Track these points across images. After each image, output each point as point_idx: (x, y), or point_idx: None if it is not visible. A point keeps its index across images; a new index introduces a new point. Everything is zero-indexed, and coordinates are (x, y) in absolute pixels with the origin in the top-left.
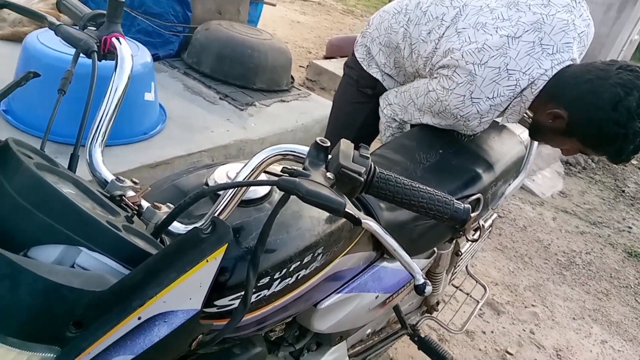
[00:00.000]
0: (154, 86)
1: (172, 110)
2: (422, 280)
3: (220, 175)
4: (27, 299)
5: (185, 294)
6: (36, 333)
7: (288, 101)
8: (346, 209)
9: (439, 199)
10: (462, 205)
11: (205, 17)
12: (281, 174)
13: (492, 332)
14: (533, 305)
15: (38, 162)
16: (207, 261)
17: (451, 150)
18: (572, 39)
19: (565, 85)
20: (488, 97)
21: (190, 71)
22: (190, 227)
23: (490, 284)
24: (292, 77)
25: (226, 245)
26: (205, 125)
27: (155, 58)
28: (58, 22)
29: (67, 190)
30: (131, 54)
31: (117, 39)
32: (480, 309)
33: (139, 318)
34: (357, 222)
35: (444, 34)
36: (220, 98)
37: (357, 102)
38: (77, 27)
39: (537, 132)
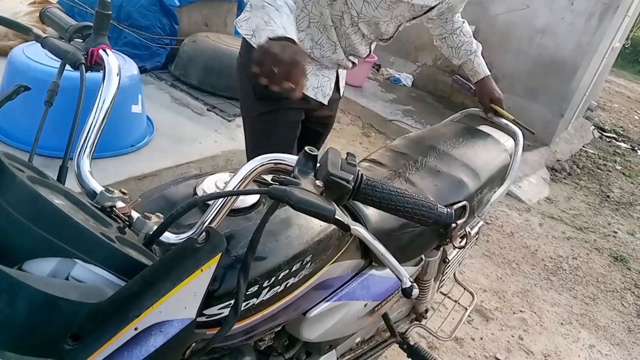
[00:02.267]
0: (141, 98)
1: (159, 122)
2: (409, 284)
3: (209, 185)
4: (25, 312)
5: (180, 304)
6: (34, 346)
7: None
8: (336, 216)
9: (423, 204)
10: (446, 210)
11: (192, 29)
12: (270, 182)
13: (481, 338)
14: (521, 311)
15: (30, 176)
16: (201, 270)
17: (436, 159)
18: None
19: None
20: None
21: (177, 83)
22: (181, 236)
23: (479, 290)
24: None
25: (220, 254)
26: (193, 136)
27: (142, 70)
28: (44, 35)
29: (59, 202)
30: (119, 66)
31: (104, 50)
32: (469, 316)
33: (136, 329)
34: (346, 228)
35: None
36: (207, 109)
37: (262, 113)
38: (63, 39)
39: None
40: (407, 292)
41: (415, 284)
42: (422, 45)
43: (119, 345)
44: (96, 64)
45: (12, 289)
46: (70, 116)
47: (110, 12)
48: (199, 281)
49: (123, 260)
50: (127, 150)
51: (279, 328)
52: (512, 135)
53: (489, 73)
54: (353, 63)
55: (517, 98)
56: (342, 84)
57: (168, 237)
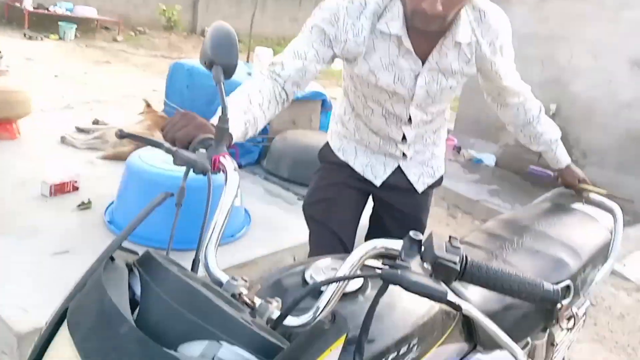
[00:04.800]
0: (240, 192)
1: (255, 213)
2: None
3: (317, 271)
4: None
5: None
6: None
7: None
8: (447, 297)
9: (528, 282)
10: (552, 286)
11: (281, 128)
12: (376, 267)
13: None
14: None
15: (179, 269)
16: (330, 350)
17: (532, 239)
18: None
19: None
20: None
21: (269, 176)
22: (301, 318)
23: None
24: None
25: (346, 334)
26: (285, 225)
27: (238, 166)
28: (175, 148)
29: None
30: (236, 171)
31: (224, 157)
32: None
33: None
34: (458, 308)
35: None
36: (297, 199)
37: (320, 199)
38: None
39: None
40: None
41: None
42: (503, 125)
43: None
44: (217, 169)
45: None
46: (187, 212)
47: (228, 127)
48: None
49: (261, 342)
50: (228, 240)
51: None
52: (610, 211)
53: (570, 161)
54: (403, 154)
55: (610, 173)
56: (412, 178)
57: (289, 320)
